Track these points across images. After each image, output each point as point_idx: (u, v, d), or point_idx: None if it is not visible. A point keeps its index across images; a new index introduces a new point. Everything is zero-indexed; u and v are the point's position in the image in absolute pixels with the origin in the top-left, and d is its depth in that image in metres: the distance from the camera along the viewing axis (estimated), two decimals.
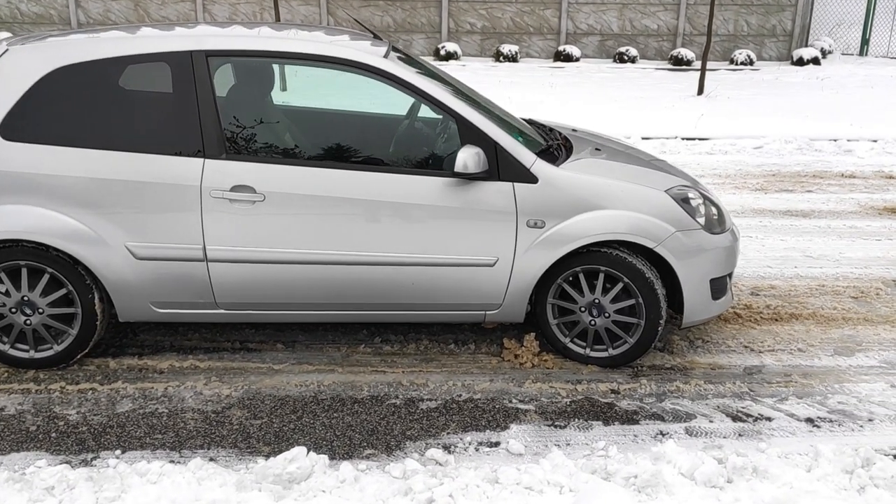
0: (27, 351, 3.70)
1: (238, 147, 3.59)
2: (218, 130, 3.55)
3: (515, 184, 3.65)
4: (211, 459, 3.08)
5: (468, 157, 3.49)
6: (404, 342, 4.10)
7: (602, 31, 17.25)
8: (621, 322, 3.81)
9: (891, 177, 7.90)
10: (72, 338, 3.68)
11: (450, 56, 16.55)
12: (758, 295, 4.82)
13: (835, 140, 9.46)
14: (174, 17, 16.88)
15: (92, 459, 3.04)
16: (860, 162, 8.56)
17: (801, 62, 16.69)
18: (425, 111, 3.74)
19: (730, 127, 10.33)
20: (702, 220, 3.82)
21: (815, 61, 16.65)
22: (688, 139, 9.77)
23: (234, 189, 3.53)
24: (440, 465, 3.00)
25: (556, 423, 3.41)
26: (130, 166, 3.50)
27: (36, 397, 3.51)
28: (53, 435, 3.22)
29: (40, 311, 3.63)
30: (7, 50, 3.58)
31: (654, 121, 10.61)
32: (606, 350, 3.87)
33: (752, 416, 3.50)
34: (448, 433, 3.31)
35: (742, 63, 16.72)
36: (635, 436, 3.32)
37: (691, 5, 16.98)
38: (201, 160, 3.53)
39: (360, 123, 3.95)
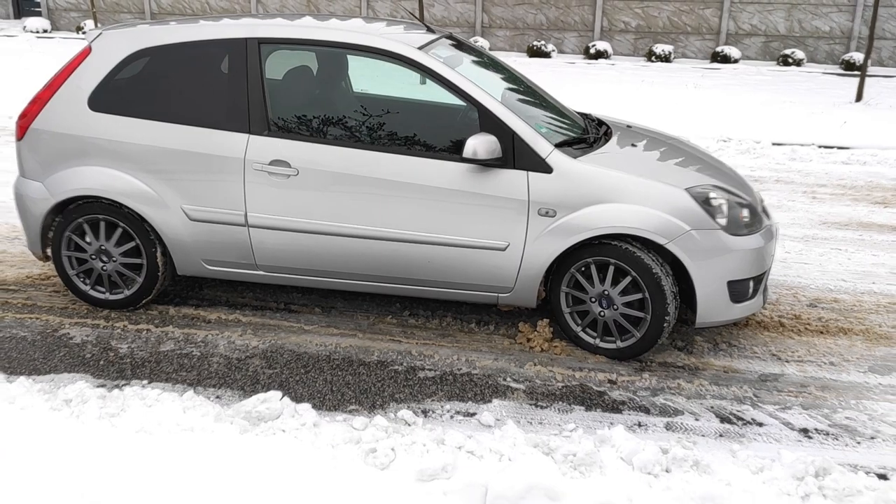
0: (103, 293, 4.31)
1: (280, 125, 3.99)
2: (263, 109, 3.96)
3: (530, 173, 3.79)
4: (217, 397, 3.51)
5: (478, 144, 3.68)
6: (429, 317, 4.35)
7: (767, 32, 16.43)
8: (630, 316, 3.85)
9: None
10: (138, 285, 4.25)
11: (599, 55, 16.43)
12: (815, 307, 4.62)
13: None
14: (341, 12, 17.94)
15: (123, 385, 3.56)
16: None
17: None
18: (452, 99, 3.94)
19: (878, 137, 9.65)
20: (723, 221, 3.77)
21: None
22: (825, 147, 9.25)
23: (273, 163, 3.93)
24: (408, 424, 3.23)
25: (539, 404, 3.53)
26: (188, 138, 4.00)
27: (101, 331, 4.10)
28: (101, 362, 3.78)
29: (114, 259, 4.22)
30: (101, 34, 4.19)
31: (795, 126, 10.11)
32: (615, 342, 3.92)
33: (743, 419, 3.44)
34: (432, 400, 3.53)
35: None
36: (611, 423, 3.38)
37: (868, 7, 15.77)
38: (247, 136, 3.96)
39: (392, 107, 4.22)
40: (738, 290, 3.84)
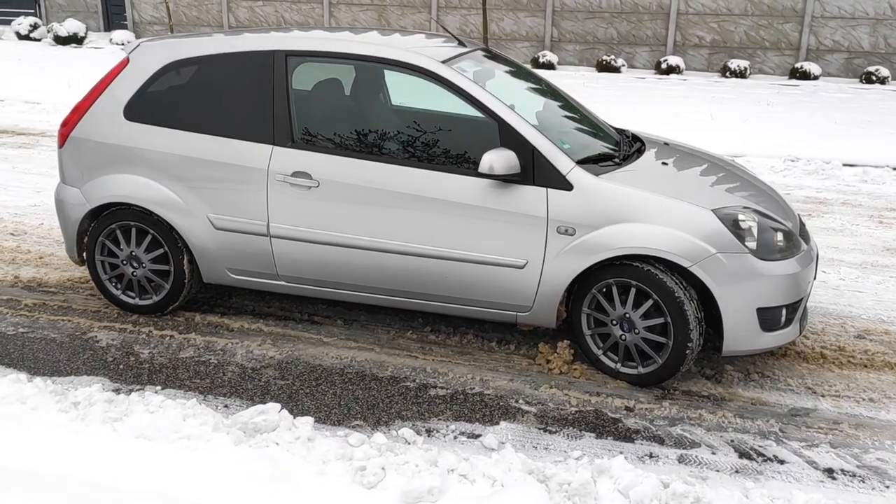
0: (133, 298, 4.41)
1: (303, 137, 4.00)
2: (287, 121, 3.99)
3: (550, 189, 3.70)
4: (226, 406, 3.52)
5: (495, 159, 3.61)
6: (450, 334, 4.28)
7: (849, 49, 15.77)
8: (652, 341, 3.69)
9: None
10: (165, 291, 4.33)
11: (671, 70, 16.07)
12: (863, 338, 4.35)
13: None
14: (411, 27, 18.12)
15: (137, 390, 3.61)
16: None
17: None
18: (476, 112, 3.87)
19: None
20: (752, 245, 3.58)
21: None
22: None
23: (295, 175, 3.95)
24: (407, 443, 3.17)
25: (548, 428, 3.42)
26: (215, 148, 4.06)
27: (126, 335, 4.19)
28: (121, 367, 3.85)
29: (143, 265, 4.31)
30: (138, 46, 4.31)
31: (872, 147, 9.63)
32: (637, 367, 3.76)
33: (764, 455, 3.25)
34: (439, 419, 3.46)
35: None
36: (620, 452, 3.24)
37: None
38: (271, 147, 3.99)
39: (415, 121, 4.18)
40: (769, 318, 3.64)
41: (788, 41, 16.03)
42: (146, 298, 4.39)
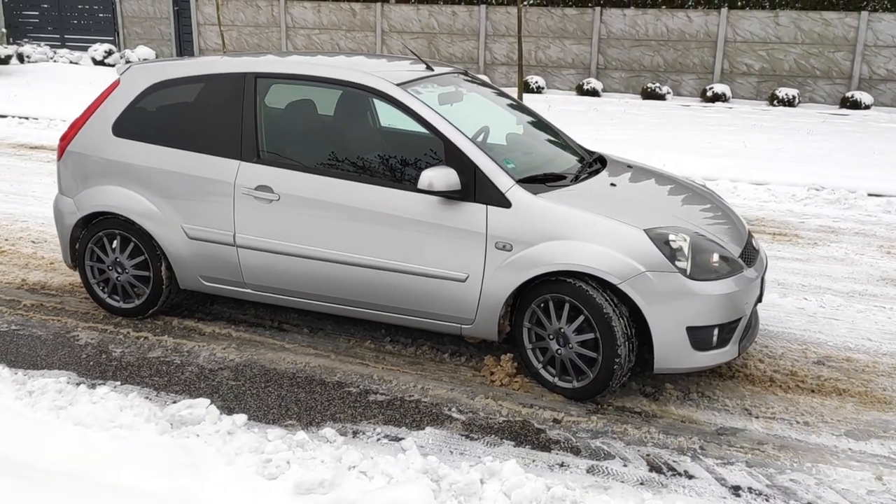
0: (118, 301, 4.72)
1: (268, 154, 4.26)
2: (254, 138, 4.26)
3: (490, 207, 3.85)
4: (174, 402, 3.76)
5: (434, 176, 3.78)
6: (407, 345, 4.44)
7: None
8: (585, 355, 3.78)
9: None
10: (145, 296, 4.63)
11: (717, 98, 15.93)
12: (822, 364, 4.32)
13: None
14: (460, 54, 18.46)
15: (97, 385, 3.89)
16: None
17: None
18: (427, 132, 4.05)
19: None
20: (683, 265, 3.64)
21: None
22: None
23: (258, 188, 4.21)
24: (329, 442, 3.35)
25: (471, 435, 3.54)
26: (189, 162, 4.36)
27: (105, 335, 4.50)
28: (92, 363, 4.15)
29: (126, 271, 4.63)
30: (129, 67, 4.66)
31: None
32: (572, 382, 3.85)
33: (675, 470, 3.30)
34: (369, 422, 3.62)
35: None
36: (533, 461, 3.34)
37: None
38: (238, 162, 4.26)
39: (371, 138, 4.38)
40: (701, 337, 3.69)
41: (840, 70, 15.70)
42: (129, 302, 4.70)
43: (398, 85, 4.14)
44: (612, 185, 4.23)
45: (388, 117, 5.24)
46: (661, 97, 16.32)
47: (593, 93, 16.87)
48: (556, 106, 15.26)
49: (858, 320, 4.98)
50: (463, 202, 3.88)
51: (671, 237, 3.69)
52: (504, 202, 3.83)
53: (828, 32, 15.62)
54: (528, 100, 15.86)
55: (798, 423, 3.71)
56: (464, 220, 3.87)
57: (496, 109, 5.01)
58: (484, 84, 5.15)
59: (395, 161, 4.17)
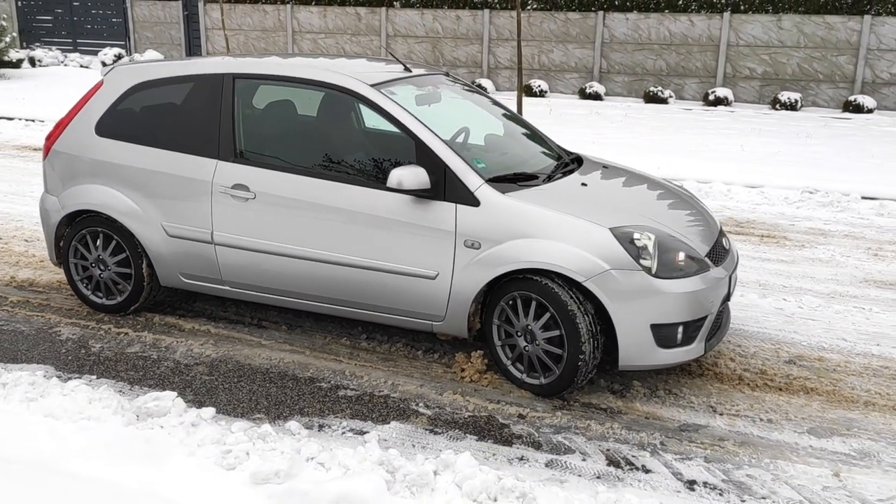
0: (101, 298, 4.81)
1: (245, 153, 4.33)
2: (232, 137, 4.33)
3: (459, 205, 3.90)
4: (156, 399, 3.81)
5: (404, 175, 3.84)
6: (383, 342, 4.50)
7: None
8: (551, 352, 3.82)
9: None
10: (127, 293, 4.71)
11: (719, 101, 15.91)
12: (793, 364, 4.35)
13: None
14: (464, 58, 18.53)
15: (72, 378, 3.96)
16: None
17: None
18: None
19: None
20: (647, 263, 3.68)
21: None
22: None
23: (235, 187, 4.28)
24: (292, 434, 3.41)
25: (435, 430, 3.59)
26: (168, 161, 4.44)
27: (87, 331, 4.58)
28: (70, 357, 4.23)
29: (109, 268, 4.71)
30: (112, 69, 4.75)
31: None
32: (539, 378, 3.90)
33: (633, 465, 3.33)
34: (335, 416, 3.68)
35: None
36: (493, 454, 3.38)
37: None
38: (215, 161, 4.34)
39: (349, 138, 4.45)
40: (665, 335, 3.72)
41: (843, 73, 15.65)
42: (112, 299, 4.78)
43: (372, 86, 4.20)
44: (583, 184, 4.27)
45: (373, 118, 5.32)
46: (664, 101, 16.32)
47: (596, 96, 16.89)
48: (558, 109, 15.29)
49: (836, 321, 5.00)
50: (433, 201, 3.94)
51: (636, 236, 3.73)
52: (473, 201, 3.88)
53: (831, 36, 15.58)
54: (531, 103, 15.91)
55: (762, 420, 3.73)
56: (434, 219, 3.93)
57: (476, 111, 5.06)
58: (466, 86, 5.21)
59: (368, 160, 4.23)
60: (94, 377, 4.00)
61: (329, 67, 4.40)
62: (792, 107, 15.56)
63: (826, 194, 8.72)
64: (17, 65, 20.72)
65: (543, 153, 4.75)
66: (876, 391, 4.04)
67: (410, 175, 3.85)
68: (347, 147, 4.39)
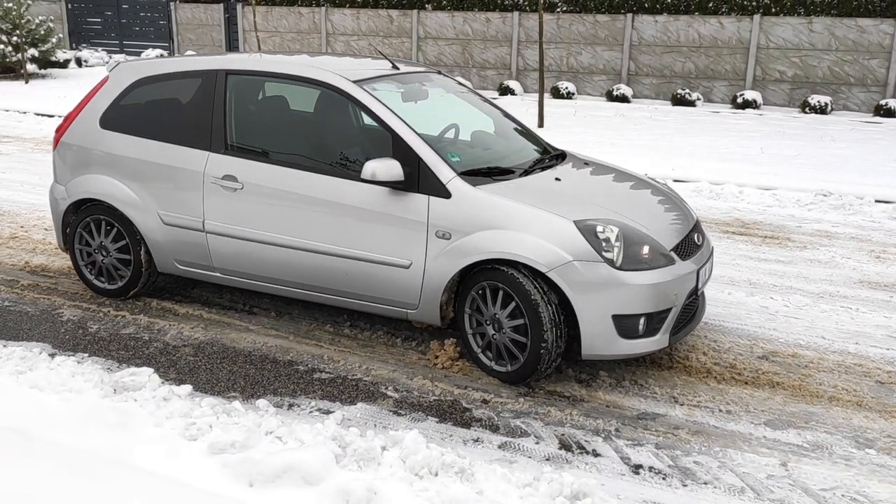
0: (103, 282, 5.06)
1: (235, 145, 4.54)
2: (223, 130, 4.54)
3: (431, 197, 4.05)
4: (133, 375, 4.05)
5: (377, 167, 4.00)
6: (364, 330, 4.66)
7: None
8: (518, 341, 3.94)
9: None
10: (127, 278, 4.96)
11: (747, 104, 15.78)
12: (765, 359, 4.40)
13: None
14: (493, 60, 18.66)
15: (69, 356, 4.20)
16: None
17: None
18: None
19: None
20: (610, 255, 3.79)
21: None
22: None
23: (224, 178, 4.49)
24: (260, 411, 3.59)
25: (399, 412, 3.74)
26: (164, 153, 4.67)
27: (87, 313, 4.84)
28: (68, 337, 4.48)
29: (110, 254, 4.96)
30: (118, 65, 5.01)
31: None
32: (506, 365, 4.02)
33: (584, 449, 3.44)
34: (306, 396, 3.86)
35: None
36: (450, 435, 3.52)
37: None
38: (207, 153, 4.56)
39: (336, 132, 4.63)
40: (627, 326, 3.82)
41: (875, 77, 15.40)
42: (113, 283, 5.03)
43: (354, 82, 4.37)
44: (557, 179, 4.38)
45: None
46: (692, 103, 16.25)
47: (623, 99, 16.88)
48: (583, 111, 15.33)
49: (819, 319, 5.02)
50: (407, 192, 4.09)
51: (599, 228, 3.83)
52: (444, 193, 4.02)
53: (862, 39, 15.36)
54: (557, 105, 15.97)
55: (721, 411, 3.81)
56: (407, 210, 4.08)
57: (466, 108, 5.20)
58: (459, 84, 5.35)
59: (349, 153, 4.40)
60: (87, 355, 4.24)
61: (314, 64, 4.59)
62: (822, 110, 15.37)
63: (840, 197, 8.65)
64: (63, 65, 21.44)
65: (528, 149, 4.87)
66: (843, 387, 4.07)
67: (383, 167, 4.01)
68: (332, 141, 4.57)
